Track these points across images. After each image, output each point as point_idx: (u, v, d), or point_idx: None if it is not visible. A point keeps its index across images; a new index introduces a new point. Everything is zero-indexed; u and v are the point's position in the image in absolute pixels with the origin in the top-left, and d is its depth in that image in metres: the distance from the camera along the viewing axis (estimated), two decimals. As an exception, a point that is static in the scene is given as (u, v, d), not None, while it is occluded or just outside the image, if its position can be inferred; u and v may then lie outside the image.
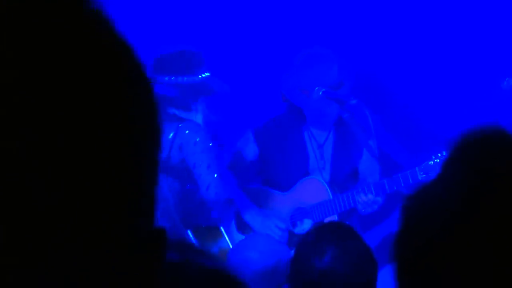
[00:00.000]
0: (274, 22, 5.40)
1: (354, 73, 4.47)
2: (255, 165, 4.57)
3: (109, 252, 0.66)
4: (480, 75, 5.15)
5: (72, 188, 0.63)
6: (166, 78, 4.27)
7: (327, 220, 4.39)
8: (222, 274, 1.25)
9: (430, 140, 4.99)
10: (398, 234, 1.12)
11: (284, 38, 5.31)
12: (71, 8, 0.67)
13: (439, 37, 5.23)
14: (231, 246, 4.26)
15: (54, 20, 0.65)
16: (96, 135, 0.65)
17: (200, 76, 4.34)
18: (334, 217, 4.44)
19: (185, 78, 4.31)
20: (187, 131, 4.31)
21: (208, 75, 4.36)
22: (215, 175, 4.29)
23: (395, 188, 4.26)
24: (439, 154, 4.18)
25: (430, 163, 4.21)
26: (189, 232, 4.41)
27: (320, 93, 4.32)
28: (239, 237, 4.50)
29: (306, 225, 4.48)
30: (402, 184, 4.23)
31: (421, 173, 4.21)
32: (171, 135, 4.28)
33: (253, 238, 4.18)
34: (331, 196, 4.45)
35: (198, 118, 4.42)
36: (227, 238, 4.42)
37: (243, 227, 4.54)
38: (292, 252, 2.75)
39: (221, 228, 4.45)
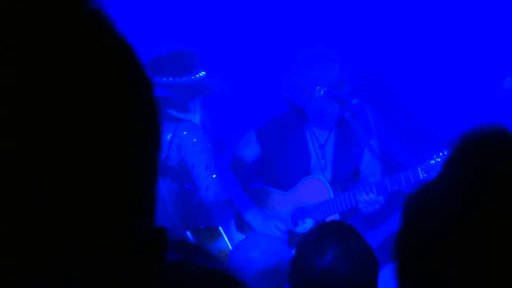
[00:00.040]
0: (276, 22, 5.40)
1: (355, 72, 4.47)
2: (256, 165, 4.58)
3: (109, 252, 0.66)
4: (482, 75, 5.15)
5: (72, 188, 0.63)
6: (164, 79, 4.26)
7: (328, 219, 4.39)
8: (222, 274, 1.25)
9: (431, 139, 4.99)
10: (399, 233, 1.12)
11: (285, 38, 5.31)
12: (71, 8, 0.67)
13: (440, 37, 5.23)
14: (230, 247, 4.26)
15: (54, 20, 0.65)
16: (96, 135, 0.65)
17: (196, 76, 4.33)
18: (336, 217, 4.44)
19: (183, 78, 4.30)
20: (185, 132, 4.30)
21: (204, 74, 4.35)
22: (214, 176, 4.29)
23: (396, 187, 4.26)
24: (441, 153, 4.18)
25: (431, 162, 4.21)
26: (188, 233, 4.40)
27: (321, 92, 4.32)
28: (239, 236, 4.50)
29: (307, 224, 4.48)
30: (404, 183, 4.23)
31: (423, 172, 4.21)
32: (169, 136, 4.28)
33: (254, 237, 4.18)
34: (332, 196, 4.45)
35: (196, 118, 4.41)
36: (226, 238, 4.41)
37: (242, 226, 4.54)
38: (293, 251, 2.75)
39: (220, 228, 4.45)
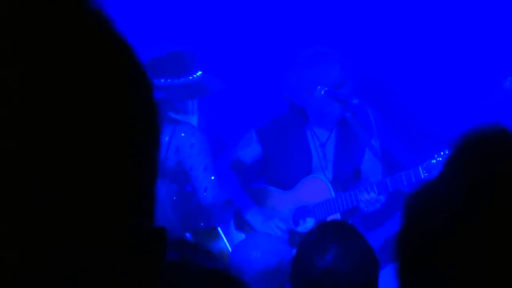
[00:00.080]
0: (276, 21, 5.40)
1: (357, 72, 4.47)
2: (257, 165, 4.57)
3: (109, 252, 0.66)
4: (483, 74, 5.15)
5: (72, 188, 0.63)
6: (162, 80, 4.25)
7: (329, 219, 4.39)
8: (222, 273, 1.25)
9: (432, 139, 4.99)
10: (400, 232, 1.12)
11: (286, 38, 5.31)
12: (71, 8, 0.67)
13: (441, 37, 5.23)
14: (229, 248, 4.25)
15: (54, 20, 0.65)
16: (96, 135, 0.65)
17: (194, 76, 4.32)
18: (337, 216, 4.44)
19: (181, 79, 4.29)
20: (183, 134, 4.29)
21: (201, 74, 4.34)
22: (212, 178, 4.28)
23: (397, 186, 4.26)
24: (442, 153, 4.18)
25: (432, 161, 4.21)
26: (187, 234, 4.40)
27: (322, 92, 4.32)
28: (238, 235, 4.50)
29: (308, 223, 4.48)
30: (405, 183, 4.23)
31: (424, 171, 4.21)
32: (167, 137, 4.27)
33: (255, 237, 4.18)
34: (333, 195, 4.45)
35: (194, 119, 4.41)
36: (225, 239, 4.41)
37: (242, 225, 4.54)
38: (294, 251, 2.75)
39: (219, 229, 4.44)
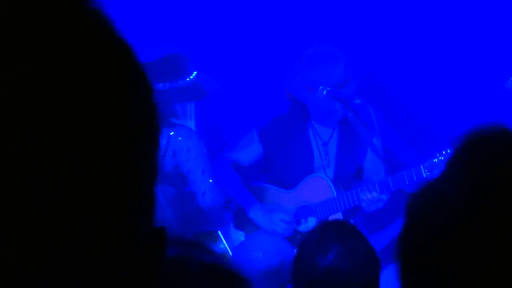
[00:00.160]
0: (279, 20, 5.40)
1: (359, 71, 4.47)
2: (258, 165, 4.57)
3: (109, 252, 0.66)
4: (485, 74, 5.15)
5: (72, 188, 0.63)
6: (161, 85, 4.24)
7: (331, 218, 4.39)
8: (223, 269, 1.25)
9: (434, 138, 4.99)
10: (402, 232, 1.12)
11: (289, 36, 5.31)
12: (71, 8, 0.67)
13: (443, 36, 5.23)
14: (229, 250, 4.25)
15: (54, 20, 0.65)
16: (96, 135, 0.65)
17: (190, 77, 4.31)
18: (339, 215, 4.43)
19: (179, 82, 4.28)
20: (179, 138, 4.28)
21: (196, 74, 4.32)
22: (210, 181, 4.28)
23: (399, 186, 4.26)
24: (444, 152, 4.18)
25: (434, 160, 4.21)
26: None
27: (325, 92, 4.32)
28: (237, 233, 4.49)
29: (310, 223, 4.48)
30: (407, 182, 4.22)
31: (426, 170, 4.21)
32: (164, 141, 4.26)
33: (257, 237, 4.18)
34: (335, 194, 4.44)
35: (191, 123, 4.40)
36: (224, 242, 4.40)
37: (241, 224, 4.53)
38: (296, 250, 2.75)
39: (219, 232, 4.44)
